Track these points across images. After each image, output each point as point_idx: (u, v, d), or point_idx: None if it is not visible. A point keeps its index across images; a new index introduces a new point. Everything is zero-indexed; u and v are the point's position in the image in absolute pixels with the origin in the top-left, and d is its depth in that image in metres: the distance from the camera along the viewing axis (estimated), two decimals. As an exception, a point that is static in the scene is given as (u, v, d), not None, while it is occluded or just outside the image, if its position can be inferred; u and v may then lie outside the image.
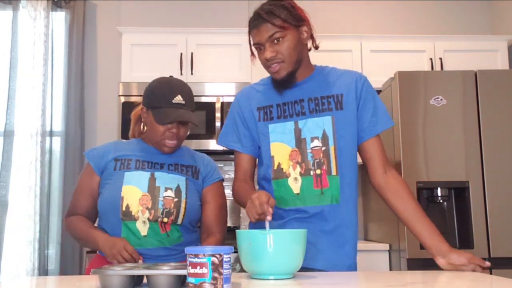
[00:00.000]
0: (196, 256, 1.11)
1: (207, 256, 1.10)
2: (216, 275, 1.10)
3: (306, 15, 1.79)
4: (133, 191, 1.82)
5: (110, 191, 1.84)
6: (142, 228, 1.80)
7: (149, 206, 1.81)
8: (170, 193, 1.85)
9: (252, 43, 1.80)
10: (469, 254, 1.64)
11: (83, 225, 1.89)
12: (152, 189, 1.84)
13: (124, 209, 1.80)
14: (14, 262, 3.74)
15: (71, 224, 1.93)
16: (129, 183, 1.83)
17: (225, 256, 1.13)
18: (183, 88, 1.93)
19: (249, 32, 1.81)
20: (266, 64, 1.77)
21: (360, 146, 1.84)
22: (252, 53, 1.84)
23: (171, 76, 1.99)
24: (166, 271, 1.24)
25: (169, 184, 1.87)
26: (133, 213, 1.80)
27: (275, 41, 1.73)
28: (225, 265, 1.12)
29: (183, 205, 1.86)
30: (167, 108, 1.85)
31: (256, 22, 1.74)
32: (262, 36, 1.73)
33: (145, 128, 1.98)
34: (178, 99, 1.88)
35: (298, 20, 1.75)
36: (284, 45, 1.73)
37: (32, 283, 1.49)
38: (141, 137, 2.02)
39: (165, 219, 1.82)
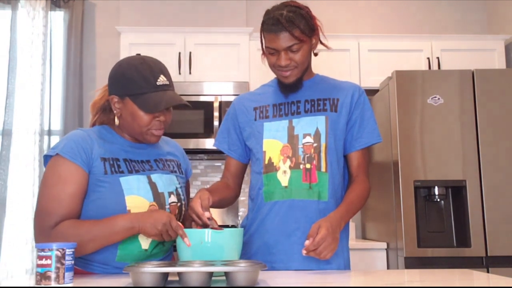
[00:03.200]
0: (42, 250, 1.30)
1: (51, 250, 1.30)
2: (58, 265, 1.30)
3: (318, 23, 1.83)
4: (139, 202, 1.60)
5: (109, 202, 1.57)
6: (145, 241, 1.62)
7: None
8: (174, 199, 1.69)
9: (264, 44, 1.81)
10: (319, 235, 1.54)
11: (90, 222, 1.54)
12: (158, 197, 1.64)
13: None
14: (13, 261, 3.74)
15: (68, 230, 1.52)
16: (131, 192, 1.59)
17: (67, 250, 1.32)
18: (162, 66, 1.68)
19: (264, 33, 1.80)
20: (278, 68, 1.81)
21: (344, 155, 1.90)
22: (263, 52, 1.85)
23: (138, 54, 1.72)
24: (199, 268, 1.28)
25: (169, 187, 1.70)
26: None
27: (292, 50, 1.76)
28: (67, 257, 1.32)
29: (183, 208, 1.74)
30: (153, 92, 1.60)
31: (274, 27, 1.73)
32: (280, 45, 1.74)
33: (118, 120, 1.69)
34: (162, 79, 1.63)
35: (313, 30, 1.79)
36: (299, 54, 1.77)
37: (30, 282, 1.50)
38: (106, 124, 1.76)
39: None
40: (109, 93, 1.69)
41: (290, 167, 1.80)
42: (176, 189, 1.73)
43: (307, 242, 1.55)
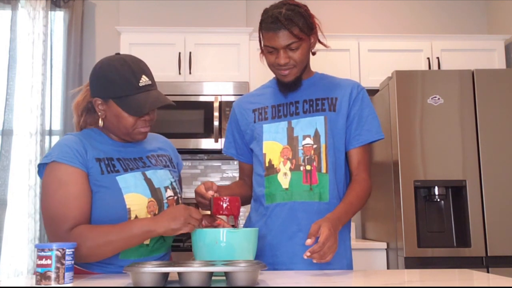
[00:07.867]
0: (42, 250, 1.31)
1: (51, 250, 1.31)
2: (58, 265, 1.31)
3: (317, 21, 1.82)
4: (138, 199, 1.61)
5: (108, 202, 1.58)
6: None
7: (156, 212, 1.63)
8: (170, 193, 1.71)
9: (263, 43, 1.80)
10: (323, 235, 1.51)
11: (107, 226, 1.53)
12: (155, 193, 1.65)
13: None
14: (15, 261, 3.75)
15: (85, 233, 1.50)
16: (129, 190, 1.60)
17: (67, 250, 1.33)
18: (143, 65, 1.65)
19: (262, 32, 1.79)
20: (277, 67, 1.80)
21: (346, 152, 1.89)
22: (262, 51, 1.85)
23: (117, 54, 1.68)
24: (199, 268, 1.29)
25: (164, 182, 1.70)
26: None
27: (291, 49, 1.75)
28: (67, 257, 1.33)
29: (180, 201, 1.75)
30: (136, 94, 1.59)
31: (273, 26, 1.72)
32: (279, 43, 1.73)
33: (102, 122, 1.67)
34: (144, 80, 1.61)
35: (311, 29, 1.79)
36: (298, 52, 1.76)
37: (30, 282, 1.50)
38: (92, 125, 1.74)
39: None
40: (92, 94, 1.67)
41: (290, 169, 1.80)
42: (171, 183, 1.74)
43: (308, 241, 1.51)
